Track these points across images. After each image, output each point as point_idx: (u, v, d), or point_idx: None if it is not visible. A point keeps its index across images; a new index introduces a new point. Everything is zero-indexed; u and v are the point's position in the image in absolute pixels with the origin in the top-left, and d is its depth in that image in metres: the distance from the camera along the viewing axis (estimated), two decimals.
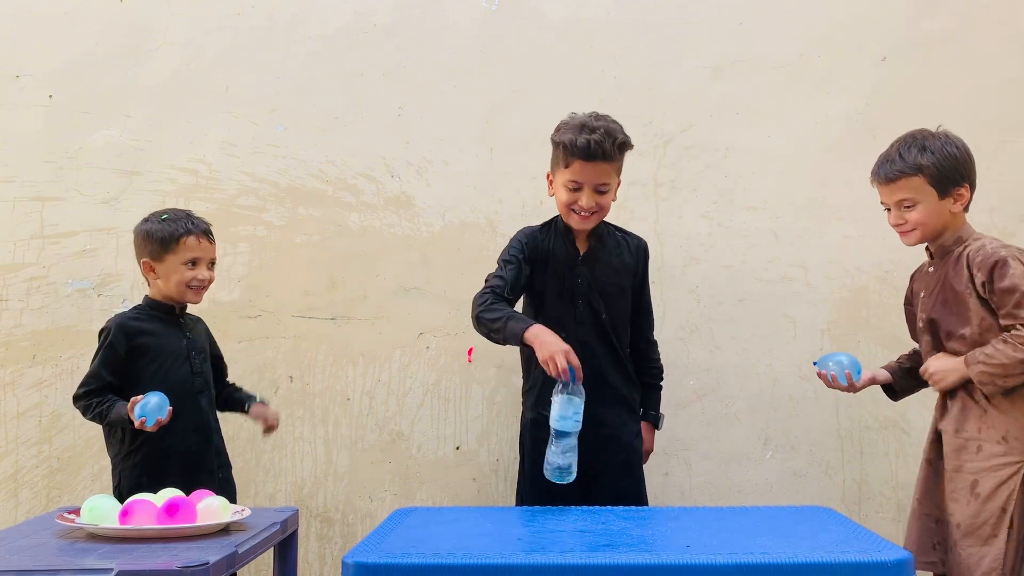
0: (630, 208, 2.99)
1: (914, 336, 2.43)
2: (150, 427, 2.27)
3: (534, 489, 2.52)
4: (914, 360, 2.42)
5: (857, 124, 3.01)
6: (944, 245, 2.26)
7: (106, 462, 2.52)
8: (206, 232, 2.51)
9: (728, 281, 3.03)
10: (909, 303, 2.44)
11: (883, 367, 2.48)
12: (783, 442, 3.00)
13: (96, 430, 2.60)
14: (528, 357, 2.62)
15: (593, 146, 2.40)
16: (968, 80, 3.01)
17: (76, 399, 2.42)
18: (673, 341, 2.96)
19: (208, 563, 1.62)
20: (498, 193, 3.06)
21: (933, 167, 2.20)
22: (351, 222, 3.06)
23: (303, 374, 3.04)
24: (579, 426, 2.27)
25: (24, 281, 3.03)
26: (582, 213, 2.48)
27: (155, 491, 2.03)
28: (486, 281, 2.53)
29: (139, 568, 1.61)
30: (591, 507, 2.24)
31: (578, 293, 2.54)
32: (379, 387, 3.03)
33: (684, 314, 3.02)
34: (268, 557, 2.18)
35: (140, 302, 2.55)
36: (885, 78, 3.03)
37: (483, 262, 3.00)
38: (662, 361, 2.72)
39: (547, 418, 2.51)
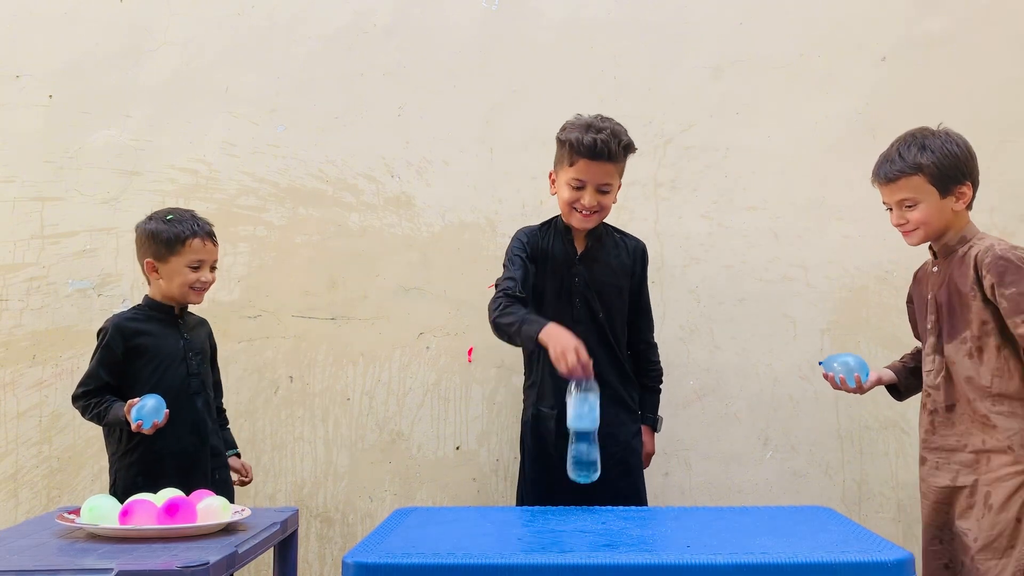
0: (630, 208, 2.99)
1: (917, 335, 2.42)
2: (146, 430, 2.28)
3: (535, 489, 2.54)
4: (917, 359, 2.40)
5: (857, 124, 3.01)
6: (948, 244, 2.24)
7: (106, 462, 2.52)
8: (210, 234, 2.51)
9: (728, 281, 3.03)
10: (911, 302, 2.43)
11: (887, 367, 2.45)
12: (783, 442, 3.00)
13: (96, 430, 2.61)
14: (530, 354, 2.63)
15: (599, 145, 2.42)
16: (968, 80, 3.01)
17: (75, 399, 2.44)
18: (673, 341, 2.96)
19: (208, 563, 1.61)
20: (498, 193, 3.06)
21: (933, 166, 2.19)
22: (351, 222, 3.06)
23: (303, 374, 3.04)
24: (597, 422, 2.24)
25: (24, 281, 3.03)
26: (584, 212, 2.49)
27: (150, 491, 2.03)
28: (496, 285, 2.53)
29: (139, 568, 1.61)
30: (591, 507, 2.23)
31: (575, 292, 2.55)
32: (379, 387, 3.03)
33: (684, 314, 3.02)
34: (268, 557, 2.18)
35: (140, 302, 2.55)
36: (885, 78, 3.03)
37: (483, 262, 3.01)
38: (662, 362, 2.72)
39: (547, 414, 2.53)
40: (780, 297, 3.02)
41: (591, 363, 2.25)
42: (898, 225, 2.27)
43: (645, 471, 2.68)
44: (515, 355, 2.87)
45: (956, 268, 2.22)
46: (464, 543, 1.83)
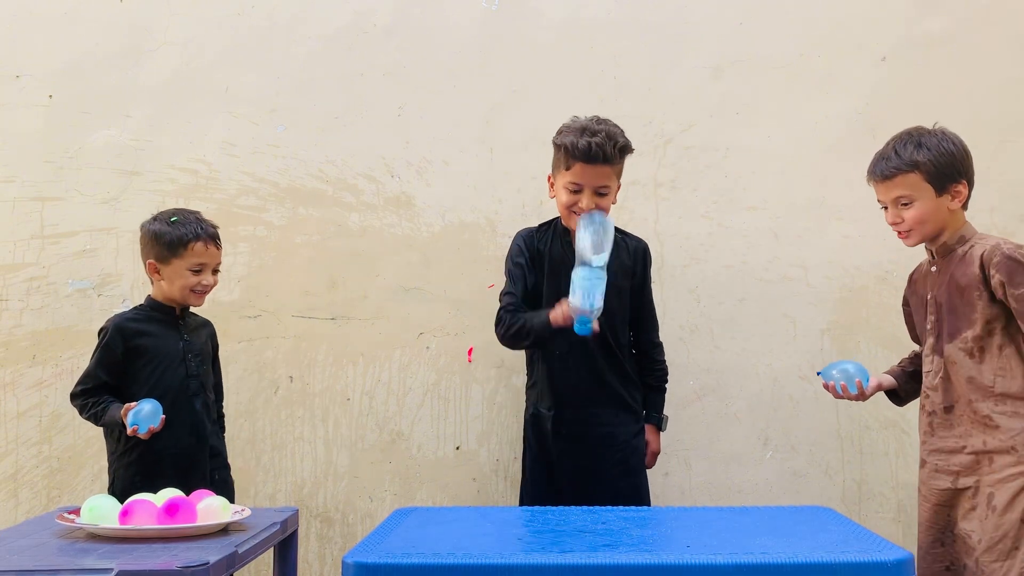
0: (630, 208, 2.99)
1: (914, 338, 2.42)
2: (142, 435, 2.29)
3: (534, 488, 2.56)
4: (915, 363, 2.40)
5: (857, 124, 3.01)
6: (947, 244, 2.23)
7: (106, 462, 2.52)
8: (214, 237, 2.51)
9: (728, 281, 3.03)
10: (907, 304, 2.42)
11: (886, 372, 2.44)
12: (783, 442, 3.00)
13: (96, 430, 2.61)
14: (530, 355, 2.65)
15: (594, 148, 2.42)
16: (968, 80, 3.01)
17: (73, 397, 2.45)
18: (673, 341, 2.95)
19: (208, 563, 1.61)
20: (498, 193, 3.06)
21: (929, 163, 2.18)
22: (351, 222, 3.06)
23: (303, 374, 3.04)
24: (605, 259, 2.38)
25: (24, 281, 3.03)
26: (582, 215, 2.48)
27: (149, 491, 2.03)
28: (500, 299, 2.60)
29: (139, 568, 1.61)
30: (591, 507, 2.23)
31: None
32: (379, 387, 3.03)
33: (684, 314, 3.02)
34: (268, 557, 2.18)
35: (142, 301, 2.55)
36: (885, 78, 3.03)
37: (483, 262, 3.01)
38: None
39: (544, 415, 2.56)
40: (780, 297, 3.02)
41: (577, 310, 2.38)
42: (893, 224, 2.26)
43: (649, 470, 2.68)
44: (515, 355, 2.88)
45: (958, 267, 2.21)
46: (464, 543, 1.83)
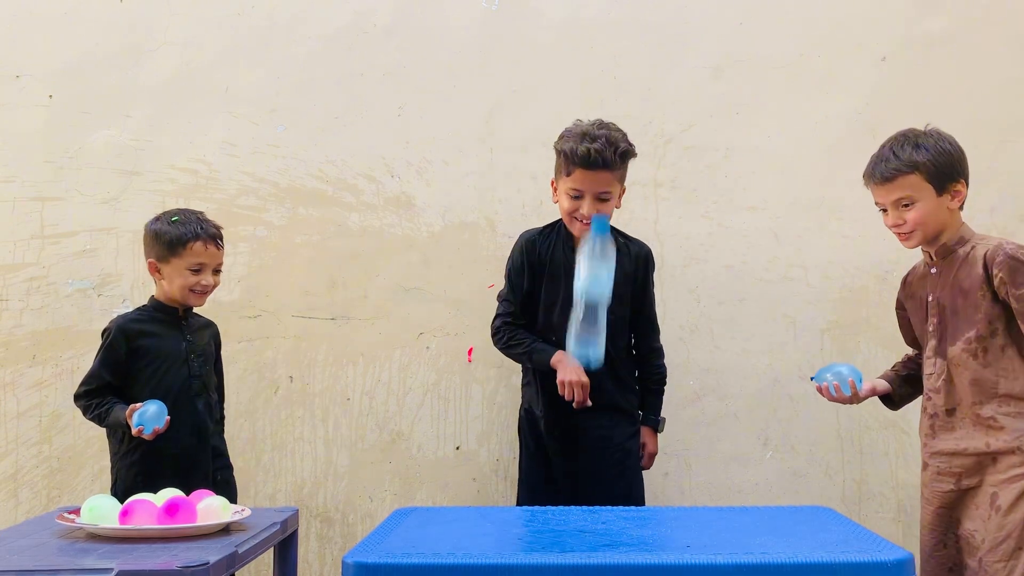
0: (630, 208, 2.98)
1: (909, 341, 2.41)
2: (147, 436, 2.29)
3: (528, 483, 2.63)
4: (909, 367, 2.39)
5: (857, 124, 3.01)
6: (947, 245, 2.22)
7: (106, 462, 2.52)
8: (214, 237, 2.50)
9: (728, 281, 3.03)
10: (902, 307, 2.41)
11: (879, 377, 2.43)
12: (783, 442, 3.00)
13: (96, 430, 2.61)
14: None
15: (593, 155, 2.41)
16: (968, 80, 3.01)
17: (77, 398, 2.45)
18: (673, 341, 2.95)
19: (208, 563, 1.61)
20: (498, 193, 3.06)
21: (929, 163, 2.17)
22: (351, 222, 3.06)
23: (303, 374, 3.04)
24: (607, 295, 2.25)
25: (24, 281, 3.03)
26: (584, 221, 2.48)
27: (150, 491, 2.03)
28: (498, 301, 2.62)
29: (139, 568, 1.61)
30: (591, 507, 2.23)
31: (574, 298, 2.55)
32: (379, 387, 3.03)
33: (684, 314, 3.02)
34: (268, 557, 2.18)
35: (145, 302, 2.56)
36: (885, 78, 3.03)
37: (483, 262, 3.01)
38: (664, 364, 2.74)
39: (537, 417, 2.59)
40: (780, 297, 3.02)
41: (588, 387, 2.44)
42: (894, 226, 2.24)
43: (647, 471, 2.68)
44: None
45: (959, 268, 2.20)
46: (464, 543, 1.83)
